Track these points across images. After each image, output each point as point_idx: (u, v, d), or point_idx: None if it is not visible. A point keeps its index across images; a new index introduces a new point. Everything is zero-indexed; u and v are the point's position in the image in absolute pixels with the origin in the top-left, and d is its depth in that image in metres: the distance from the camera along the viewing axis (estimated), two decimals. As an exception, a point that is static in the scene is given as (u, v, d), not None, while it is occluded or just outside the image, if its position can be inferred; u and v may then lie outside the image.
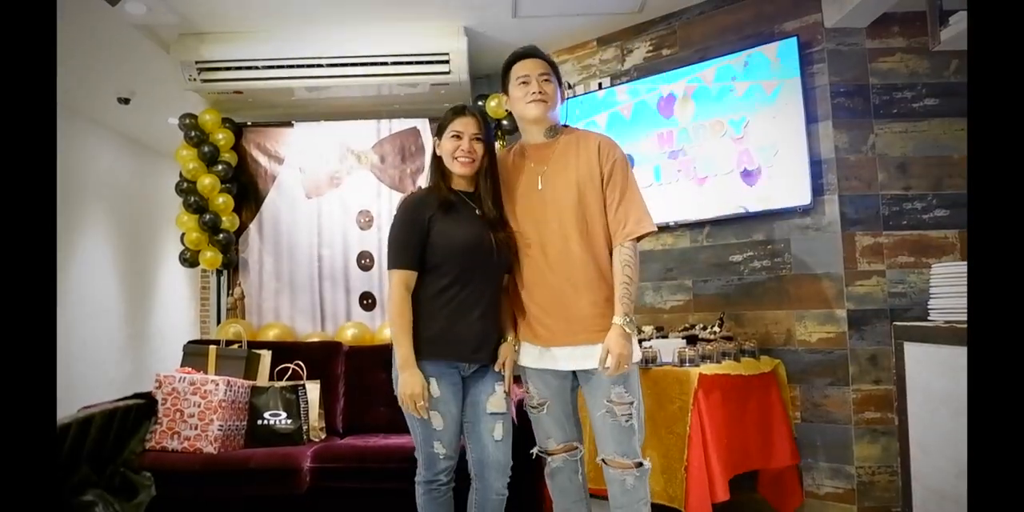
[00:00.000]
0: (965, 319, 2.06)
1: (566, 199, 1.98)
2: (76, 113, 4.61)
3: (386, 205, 3.84)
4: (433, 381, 1.97)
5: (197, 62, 3.53)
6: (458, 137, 2.00)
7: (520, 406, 2.29)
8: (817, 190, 2.90)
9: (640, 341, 2.63)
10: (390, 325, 2.00)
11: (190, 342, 3.32)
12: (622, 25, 3.57)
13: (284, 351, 3.22)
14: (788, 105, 2.93)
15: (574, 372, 2.03)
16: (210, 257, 3.76)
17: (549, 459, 2.10)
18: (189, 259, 3.81)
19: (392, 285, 1.98)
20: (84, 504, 2.32)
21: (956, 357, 2.04)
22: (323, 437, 2.99)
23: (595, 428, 2.00)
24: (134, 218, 5.54)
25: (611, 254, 1.99)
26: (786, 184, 2.94)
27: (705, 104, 3.18)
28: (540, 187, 2.02)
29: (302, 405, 2.92)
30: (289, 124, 3.94)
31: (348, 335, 3.66)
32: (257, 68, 3.55)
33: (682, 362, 2.58)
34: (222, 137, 3.78)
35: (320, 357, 3.22)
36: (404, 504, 2.13)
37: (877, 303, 2.82)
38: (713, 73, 3.16)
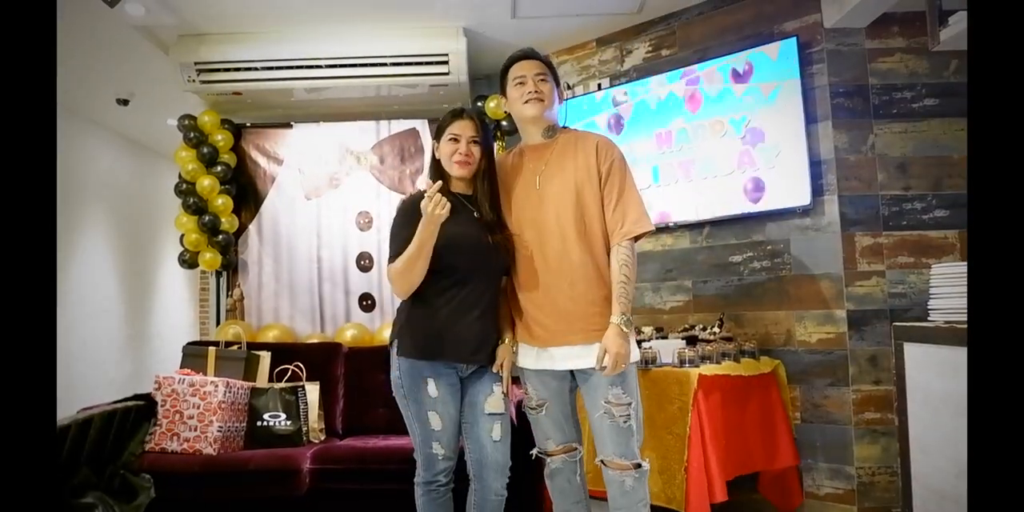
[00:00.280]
0: (965, 319, 2.06)
1: (564, 199, 1.98)
2: (76, 114, 4.61)
3: (385, 206, 3.84)
4: (431, 381, 1.97)
5: (196, 63, 3.53)
6: (456, 140, 2.01)
7: (519, 407, 2.29)
8: (817, 190, 2.90)
9: (640, 342, 2.63)
10: (398, 270, 1.92)
11: (189, 343, 3.32)
12: (621, 26, 3.57)
13: (283, 352, 3.22)
14: (788, 105, 2.94)
15: (572, 373, 2.03)
16: (209, 258, 3.76)
17: (548, 460, 2.10)
18: (188, 260, 3.81)
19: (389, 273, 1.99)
20: (84, 506, 2.32)
21: (956, 357, 2.04)
22: (323, 438, 2.99)
23: (593, 429, 2.00)
24: (134, 219, 5.54)
25: (609, 254, 1.99)
26: (786, 184, 2.94)
27: (704, 104, 3.19)
28: (538, 187, 2.03)
29: (301, 406, 2.91)
30: (288, 125, 3.94)
31: (347, 336, 3.66)
32: (256, 69, 3.55)
33: (682, 363, 2.58)
34: (221, 138, 3.78)
35: (320, 358, 3.22)
36: (404, 505, 2.13)
37: (877, 303, 2.82)
38: (713, 73, 3.16)
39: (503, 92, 2.11)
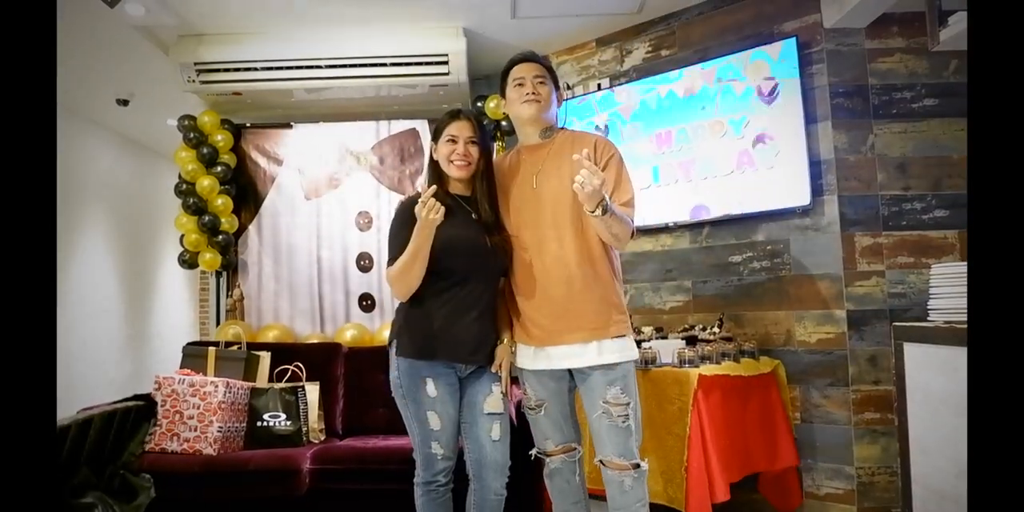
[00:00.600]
0: (965, 319, 2.06)
1: (561, 197, 1.99)
2: (76, 114, 4.61)
3: (385, 206, 3.84)
4: (430, 381, 1.98)
5: (196, 63, 3.53)
6: (454, 141, 2.01)
7: (519, 407, 2.29)
8: (816, 190, 2.90)
9: (639, 342, 2.63)
10: (395, 274, 1.94)
11: (189, 344, 3.32)
12: (621, 26, 3.57)
13: (283, 352, 3.22)
14: (787, 105, 2.94)
15: (571, 373, 2.04)
16: (209, 258, 3.76)
17: (548, 460, 2.11)
18: (188, 260, 3.81)
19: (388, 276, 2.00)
20: (84, 506, 2.32)
21: (956, 357, 2.04)
22: (322, 438, 2.99)
23: (592, 429, 2.00)
24: (134, 219, 5.54)
25: (607, 254, 2.01)
26: (785, 184, 2.94)
27: (704, 105, 3.19)
28: (535, 186, 2.04)
29: (301, 406, 2.92)
30: (288, 125, 3.94)
31: (347, 336, 3.66)
32: (256, 69, 3.55)
33: (681, 363, 2.57)
34: (221, 138, 3.78)
35: (319, 358, 3.22)
36: (403, 505, 2.13)
37: (877, 303, 2.82)
38: (712, 74, 3.16)
39: (503, 94, 2.14)
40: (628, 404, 1.95)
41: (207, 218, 3.70)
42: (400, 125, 3.90)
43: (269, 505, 2.59)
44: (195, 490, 2.56)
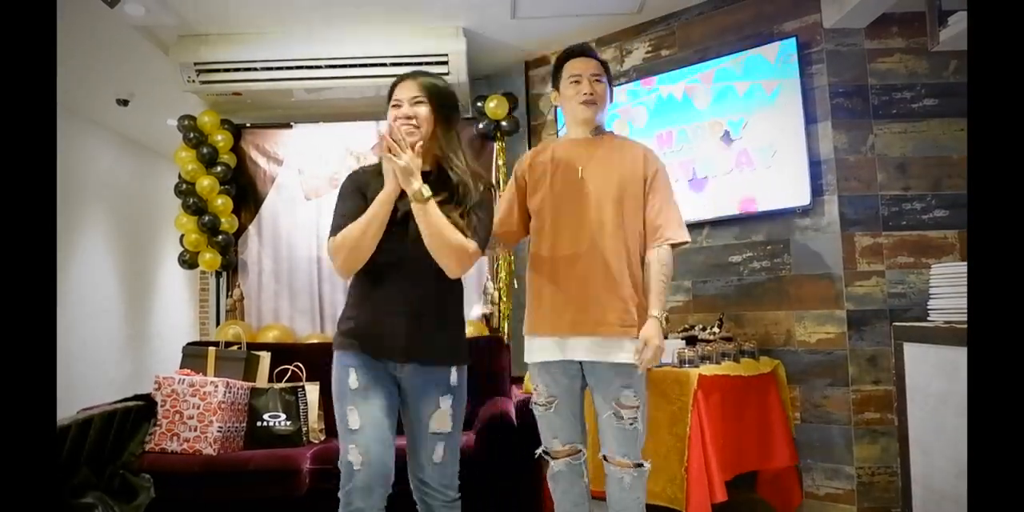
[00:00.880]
0: (965, 319, 2.05)
1: (607, 191, 2.00)
2: (76, 114, 4.61)
3: (385, 206, 3.83)
4: (352, 372, 1.77)
5: (196, 63, 3.53)
6: (398, 105, 1.87)
7: (525, 405, 2.27)
8: (816, 190, 2.90)
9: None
10: (348, 241, 1.79)
11: (189, 344, 3.32)
12: (621, 26, 3.57)
13: (283, 352, 3.22)
14: (787, 106, 2.94)
15: (583, 372, 2.02)
16: (209, 259, 3.76)
17: (552, 463, 2.09)
18: (188, 260, 3.81)
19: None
20: (84, 506, 2.32)
21: (956, 357, 2.04)
22: (323, 439, 2.99)
23: (600, 428, 2.01)
24: (134, 219, 5.54)
25: (640, 252, 2.02)
26: (785, 185, 2.95)
27: (704, 105, 3.19)
28: (581, 176, 2.03)
29: (301, 407, 2.92)
30: (288, 125, 3.93)
31: (348, 336, 3.65)
32: (256, 69, 3.55)
33: (681, 363, 2.57)
34: (221, 138, 3.78)
35: (319, 358, 3.19)
36: (403, 505, 2.12)
37: (877, 303, 2.82)
38: (712, 74, 3.16)
39: (555, 85, 2.13)
40: (638, 407, 1.96)
41: (207, 218, 3.70)
42: (400, 125, 3.89)
43: (269, 505, 2.59)
44: (195, 490, 2.56)
